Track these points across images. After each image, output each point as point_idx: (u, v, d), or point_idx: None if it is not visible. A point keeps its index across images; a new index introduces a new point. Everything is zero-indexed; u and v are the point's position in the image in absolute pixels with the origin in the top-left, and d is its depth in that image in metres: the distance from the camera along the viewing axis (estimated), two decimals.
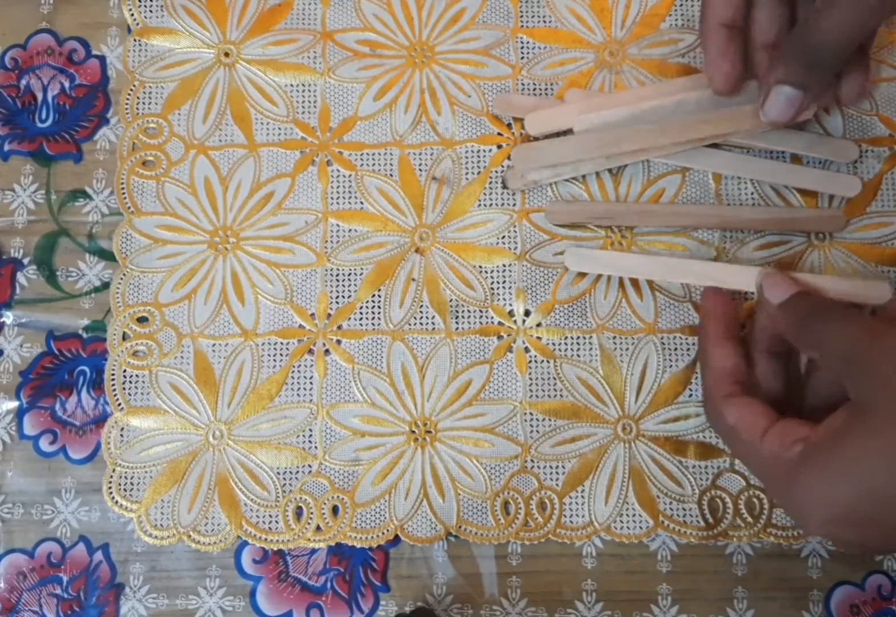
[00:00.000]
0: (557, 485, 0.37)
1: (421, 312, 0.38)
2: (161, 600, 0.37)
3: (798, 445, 0.29)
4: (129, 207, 0.39)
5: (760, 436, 0.30)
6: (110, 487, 0.37)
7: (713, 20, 0.35)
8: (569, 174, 0.38)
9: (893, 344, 0.28)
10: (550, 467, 0.37)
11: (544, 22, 0.41)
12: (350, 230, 0.39)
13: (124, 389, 0.38)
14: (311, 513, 0.37)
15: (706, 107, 0.37)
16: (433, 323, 0.38)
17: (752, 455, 0.31)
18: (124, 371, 0.38)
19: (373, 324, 0.38)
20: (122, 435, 0.38)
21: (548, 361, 0.38)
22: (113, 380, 0.38)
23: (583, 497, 0.37)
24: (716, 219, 0.38)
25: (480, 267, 0.39)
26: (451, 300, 0.39)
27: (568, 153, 0.38)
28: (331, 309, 0.39)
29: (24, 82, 0.41)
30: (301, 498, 0.37)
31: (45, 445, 0.38)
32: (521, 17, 0.41)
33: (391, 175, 0.40)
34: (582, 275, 0.38)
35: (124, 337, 0.39)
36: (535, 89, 0.40)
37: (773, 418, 0.31)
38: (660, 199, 0.39)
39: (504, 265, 0.39)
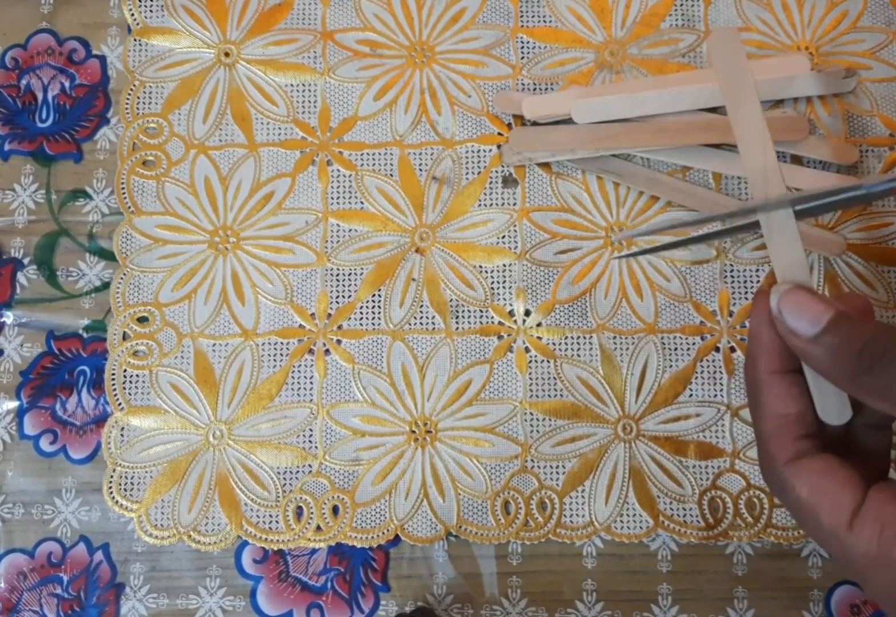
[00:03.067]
0: (557, 485, 0.37)
1: (421, 311, 0.38)
2: (161, 600, 0.37)
3: None
4: (129, 207, 0.39)
5: (848, 522, 0.22)
6: (111, 487, 0.37)
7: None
8: (565, 156, 0.38)
9: None
10: (551, 467, 0.37)
11: (544, 22, 0.41)
12: (350, 230, 0.39)
13: (124, 388, 0.38)
14: (312, 513, 0.37)
15: (705, 100, 0.37)
16: (433, 323, 0.38)
17: (837, 545, 0.23)
18: (124, 371, 0.38)
19: (373, 324, 0.38)
20: (122, 435, 0.38)
21: (548, 361, 0.38)
22: (113, 380, 0.38)
23: (583, 497, 0.37)
24: (717, 207, 0.38)
25: (481, 267, 0.39)
26: (451, 300, 0.39)
27: (564, 141, 0.38)
28: (331, 309, 0.39)
29: (24, 82, 0.41)
30: (301, 498, 0.37)
31: (45, 444, 0.38)
32: (522, 16, 0.41)
33: (391, 175, 0.40)
34: (582, 274, 0.38)
35: (124, 337, 0.39)
36: (535, 89, 0.40)
37: (861, 489, 0.23)
38: (656, 204, 0.39)
39: (504, 265, 0.39)
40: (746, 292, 0.38)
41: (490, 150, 0.40)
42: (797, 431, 0.24)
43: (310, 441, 0.38)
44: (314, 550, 0.37)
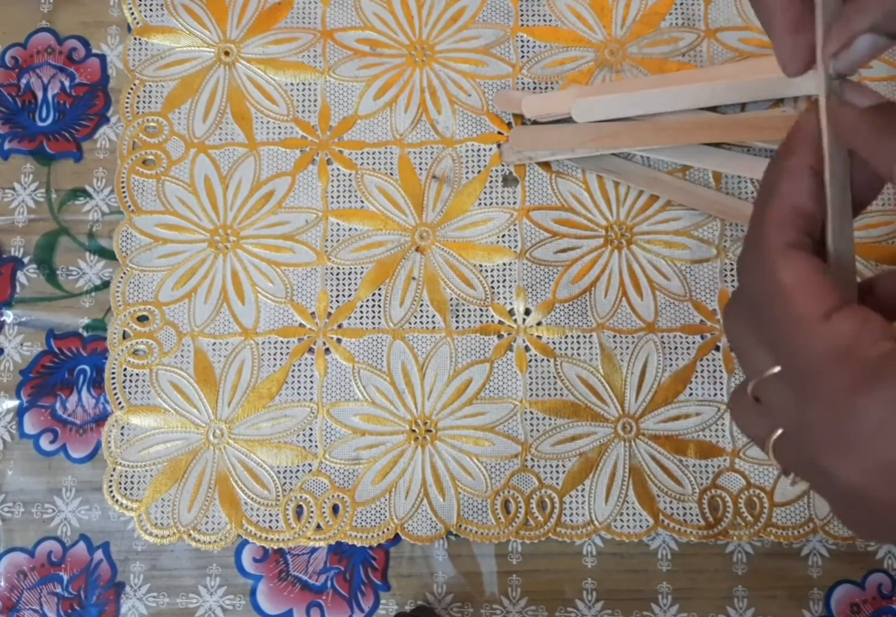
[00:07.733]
0: (558, 484, 0.37)
1: (421, 310, 0.38)
2: (161, 599, 0.37)
3: (890, 342, 0.20)
4: (129, 206, 0.39)
5: (824, 313, 0.21)
6: (111, 486, 0.37)
7: None
8: (565, 154, 0.38)
9: None
10: (551, 466, 0.37)
11: (545, 21, 0.41)
12: (350, 229, 0.39)
13: (125, 387, 0.38)
14: (312, 512, 0.37)
15: (705, 99, 0.37)
16: (433, 322, 0.38)
17: (800, 336, 0.21)
18: (124, 370, 0.38)
19: (373, 323, 0.38)
20: (122, 434, 0.38)
21: (548, 360, 0.38)
22: (113, 379, 0.38)
23: (583, 496, 0.37)
24: (717, 205, 0.38)
25: (481, 266, 0.39)
26: (451, 299, 0.39)
27: (564, 140, 0.38)
28: (331, 308, 0.39)
29: (24, 81, 0.41)
30: (301, 497, 0.37)
31: (45, 443, 0.38)
32: (522, 15, 0.41)
33: (391, 174, 0.40)
34: (582, 273, 0.38)
35: (124, 336, 0.39)
36: (535, 88, 0.40)
37: (851, 297, 0.22)
38: (656, 202, 0.39)
39: (504, 264, 0.39)
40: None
41: (490, 149, 0.40)
42: (803, 225, 0.22)
43: (310, 440, 0.38)
44: (314, 549, 0.37)
